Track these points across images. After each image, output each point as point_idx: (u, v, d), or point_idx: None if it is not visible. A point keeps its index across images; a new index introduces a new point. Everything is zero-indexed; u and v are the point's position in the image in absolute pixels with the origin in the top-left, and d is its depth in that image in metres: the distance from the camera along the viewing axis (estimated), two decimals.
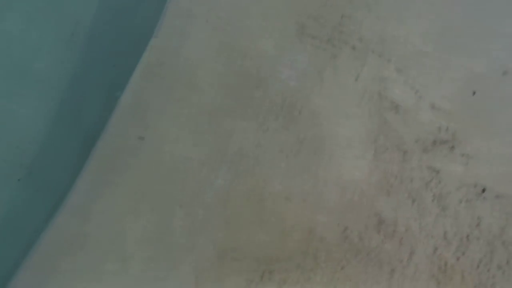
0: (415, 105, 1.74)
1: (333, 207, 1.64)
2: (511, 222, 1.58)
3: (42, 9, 2.35)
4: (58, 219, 1.60)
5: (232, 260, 1.53)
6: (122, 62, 2.28)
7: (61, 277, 1.49)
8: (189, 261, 1.53)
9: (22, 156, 2.01)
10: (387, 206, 1.63)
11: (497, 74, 1.76)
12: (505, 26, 1.78)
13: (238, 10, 1.90)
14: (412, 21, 1.82)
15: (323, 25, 1.85)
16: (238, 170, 1.70)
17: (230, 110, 1.79)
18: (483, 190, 1.63)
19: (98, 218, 1.61)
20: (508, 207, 1.60)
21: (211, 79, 1.82)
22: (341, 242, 1.56)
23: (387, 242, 1.56)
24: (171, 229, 1.60)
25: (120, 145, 1.77)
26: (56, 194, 1.85)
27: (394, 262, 1.54)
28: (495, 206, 1.61)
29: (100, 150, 1.75)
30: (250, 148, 1.73)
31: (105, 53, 2.34)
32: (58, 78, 2.25)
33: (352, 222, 1.60)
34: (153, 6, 2.16)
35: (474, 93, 1.74)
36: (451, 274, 1.53)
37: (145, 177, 1.71)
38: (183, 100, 1.80)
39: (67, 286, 1.48)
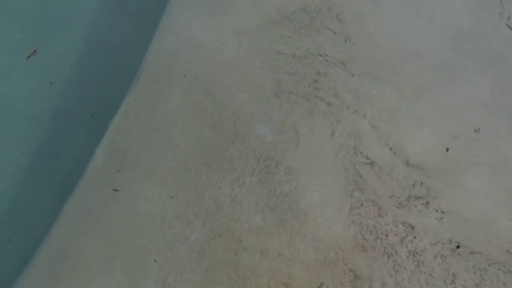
0: (389, 161, 2.06)
1: (309, 262, 1.89)
2: (486, 279, 1.84)
3: (20, 63, 2.69)
4: (27, 275, 1.83)
5: None
6: (99, 112, 2.60)
7: None
8: None
9: None
10: (363, 261, 1.89)
11: (469, 132, 2.10)
12: (474, 90, 2.15)
13: (216, 66, 2.25)
14: (387, 78, 2.18)
15: (299, 81, 2.20)
16: (214, 224, 1.97)
17: (206, 164, 2.08)
18: (458, 246, 1.90)
19: (68, 274, 1.84)
20: (482, 264, 1.87)
21: (187, 133, 2.13)
22: None
23: None
24: (144, 285, 1.83)
25: (93, 197, 2.03)
26: (29, 243, 2.08)
27: None
28: (470, 263, 1.87)
29: (73, 202, 2.00)
30: (226, 202, 2.01)
31: (83, 103, 2.66)
32: (35, 126, 2.55)
33: (328, 278, 1.85)
34: (133, 58, 2.51)
35: (447, 149, 2.07)
36: None
37: (119, 230, 1.96)
38: (159, 153, 2.09)
39: None
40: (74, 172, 2.20)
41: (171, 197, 1.91)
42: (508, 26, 2.10)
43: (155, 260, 1.79)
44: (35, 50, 2.60)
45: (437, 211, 1.89)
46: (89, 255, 1.79)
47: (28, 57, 2.61)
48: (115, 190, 1.95)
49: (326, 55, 2.13)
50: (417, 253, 1.81)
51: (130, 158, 2.01)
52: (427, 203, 1.90)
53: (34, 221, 2.21)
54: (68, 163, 2.37)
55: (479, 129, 2.01)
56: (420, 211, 1.88)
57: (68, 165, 2.37)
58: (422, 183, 1.94)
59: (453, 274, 1.76)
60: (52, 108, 2.56)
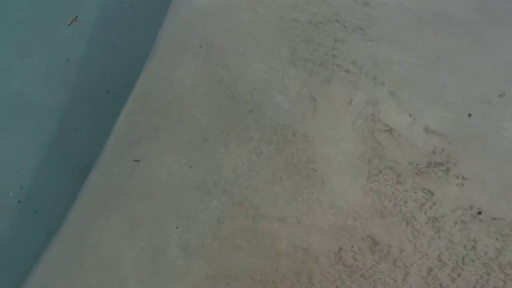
0: (409, 127, 2.02)
1: (327, 229, 1.90)
2: (508, 244, 1.82)
3: (36, 42, 2.73)
4: (55, 242, 1.89)
5: (227, 281, 1.79)
6: (116, 88, 2.63)
7: None
8: (184, 284, 1.79)
9: (21, 181, 2.33)
10: (381, 228, 1.89)
11: (493, 96, 2.04)
12: (499, 53, 2.08)
13: (231, 36, 2.23)
14: (406, 44, 2.12)
15: (316, 49, 2.16)
16: (233, 193, 1.98)
17: (224, 134, 2.09)
18: (479, 213, 1.87)
19: (95, 241, 1.90)
20: (504, 229, 1.85)
21: (204, 103, 2.13)
22: (336, 263, 1.81)
23: (381, 263, 1.80)
24: (167, 251, 1.87)
25: (116, 168, 2.07)
26: (53, 216, 2.15)
27: (388, 282, 1.78)
28: (491, 228, 1.85)
29: (96, 173, 2.05)
30: (244, 171, 2.02)
31: (98, 80, 2.68)
32: (53, 103, 2.60)
33: (346, 244, 1.86)
34: (146, 33, 2.51)
35: (470, 115, 2.02)
36: None
37: (140, 200, 2.00)
38: (177, 124, 2.11)
39: None
40: (93, 147, 2.24)
41: (190, 167, 1.94)
42: None
43: (176, 227, 1.83)
44: (76, 16, 2.63)
45: (457, 177, 1.86)
46: (113, 223, 1.84)
47: (70, 23, 2.65)
48: (136, 160, 1.99)
49: (344, 21, 2.09)
50: (436, 219, 1.79)
51: (149, 129, 2.03)
52: (448, 169, 1.87)
53: (59, 194, 2.28)
54: (87, 139, 2.41)
55: (504, 93, 1.96)
56: (440, 178, 1.85)
57: (87, 141, 2.41)
58: (442, 150, 1.91)
59: (474, 240, 1.74)
60: (69, 85, 2.59)
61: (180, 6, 2.22)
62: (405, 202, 1.84)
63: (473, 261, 1.71)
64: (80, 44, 2.69)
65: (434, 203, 1.82)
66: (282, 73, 2.08)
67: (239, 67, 2.10)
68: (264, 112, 2.03)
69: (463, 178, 1.86)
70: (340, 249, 1.77)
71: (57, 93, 2.58)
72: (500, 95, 1.95)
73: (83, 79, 2.62)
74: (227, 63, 2.11)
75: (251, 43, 2.12)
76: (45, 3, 2.80)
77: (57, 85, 2.61)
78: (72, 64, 2.65)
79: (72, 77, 2.64)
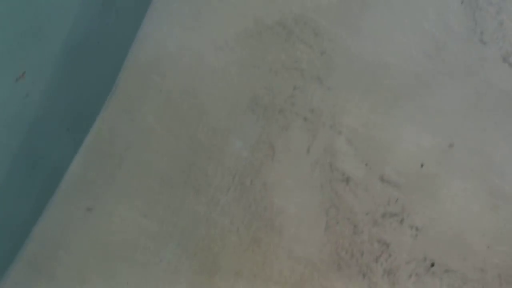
0: (365, 177, 2.04)
1: (284, 282, 1.87)
2: None
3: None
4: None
5: None
6: (76, 126, 2.55)
7: None
8: None
9: None
10: (338, 281, 1.87)
11: (444, 146, 2.08)
12: (449, 102, 2.13)
13: (193, 80, 2.21)
14: (363, 93, 2.15)
15: (276, 96, 2.16)
16: (188, 244, 1.93)
17: (182, 182, 2.04)
18: (432, 265, 1.89)
19: None
20: (457, 282, 1.87)
21: (163, 149, 2.09)
22: None
23: None
24: None
25: (67, 216, 1.99)
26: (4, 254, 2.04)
27: None
28: (444, 281, 1.87)
29: (43, 222, 1.96)
30: (201, 221, 1.98)
31: (59, 117, 2.60)
32: (10, 139, 2.49)
33: None
34: (110, 71, 2.45)
35: (422, 165, 2.05)
36: None
37: (92, 252, 1.92)
38: (134, 170, 2.05)
39: None
40: (49, 187, 2.15)
41: (145, 216, 1.88)
42: (481, 40, 2.08)
43: (127, 283, 1.76)
44: (24, 72, 2.53)
45: (411, 228, 1.88)
46: (60, 279, 1.75)
47: (17, 79, 2.54)
48: (89, 209, 1.91)
49: (302, 69, 2.10)
50: (392, 272, 1.79)
51: (104, 176, 1.96)
52: (402, 220, 1.89)
53: (8, 234, 2.17)
54: (44, 178, 2.32)
55: (454, 143, 2.00)
56: (395, 229, 1.87)
57: (44, 179, 2.32)
58: (397, 200, 1.93)
59: None
60: (27, 120, 2.49)
61: (142, 46, 2.18)
62: (362, 254, 1.84)
63: None
64: (41, 78, 2.60)
65: (390, 255, 1.83)
66: (242, 119, 2.06)
67: (199, 112, 2.08)
68: (223, 159, 2.00)
69: (417, 229, 1.88)
70: None
71: (13, 129, 2.48)
72: (450, 144, 1.99)
73: (42, 115, 2.53)
74: (187, 108, 2.08)
75: (211, 87, 2.10)
76: (5, 34, 2.69)
77: (14, 121, 2.50)
78: (31, 99, 2.56)
79: (31, 112, 2.54)
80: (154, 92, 2.11)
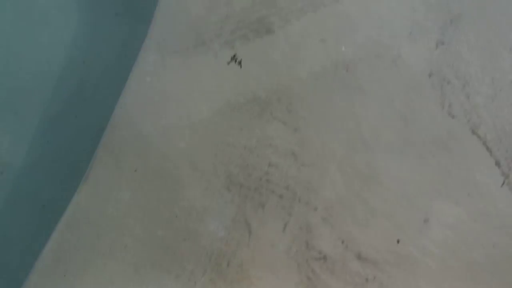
0: (342, 255, 2.04)
1: None
2: None
3: None
4: None
5: None
6: (52, 205, 2.55)
7: None
8: None
9: None
10: None
11: (419, 221, 2.11)
12: (422, 174, 2.18)
13: (167, 160, 2.24)
14: (337, 167, 2.19)
15: (251, 174, 2.19)
16: None
17: (157, 264, 2.03)
18: None
19: None
20: None
21: (137, 232, 2.09)
22: None
23: None
24: None
25: None
26: None
27: None
28: None
29: None
30: None
31: (35, 192, 2.60)
32: None
33: None
34: (87, 149, 2.48)
35: (398, 241, 2.07)
36: None
37: None
38: (108, 254, 2.04)
39: None
40: (23, 267, 2.13)
41: None
42: (449, 113, 2.15)
43: None
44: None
45: None
46: None
47: None
48: None
49: (277, 146, 2.14)
50: None
51: (77, 260, 1.96)
52: None
53: None
54: (18, 259, 2.30)
55: (428, 218, 2.03)
56: None
57: (19, 262, 2.30)
58: (375, 277, 1.93)
59: None
60: (1, 197, 2.49)
61: (117, 128, 2.22)
62: None
63: None
64: (16, 155, 2.62)
65: None
66: (218, 198, 2.08)
67: (174, 193, 2.09)
68: (199, 239, 2.01)
69: None
70: None
71: None
72: (425, 219, 2.02)
73: (18, 191, 2.54)
74: (162, 189, 2.10)
75: (187, 169, 2.13)
76: None
77: None
78: (7, 174, 2.57)
79: (7, 188, 2.55)
80: (129, 173, 2.13)
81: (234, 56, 2.15)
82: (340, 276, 1.96)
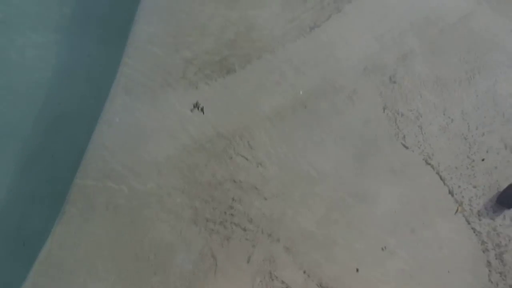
0: (304, 284, 2.18)
1: None
2: None
3: None
4: None
5: None
6: (32, 241, 2.67)
7: None
8: None
9: None
10: None
11: (377, 249, 2.25)
12: (378, 206, 2.33)
13: (137, 197, 2.38)
14: (298, 200, 2.34)
15: (216, 208, 2.34)
16: None
17: None
18: None
19: None
20: None
21: (110, 265, 2.22)
22: None
23: None
24: None
25: None
26: None
27: None
28: None
29: None
30: None
31: (15, 229, 2.73)
32: None
33: None
34: (60, 189, 2.62)
35: (357, 270, 2.21)
36: None
37: None
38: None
39: None
40: None
41: None
42: (403, 145, 2.30)
43: None
44: None
45: None
46: None
47: None
48: None
49: (240, 181, 2.29)
50: None
51: None
52: None
53: None
54: None
55: (385, 247, 2.17)
56: None
57: None
58: None
59: None
60: None
61: (89, 165, 2.36)
62: None
63: None
64: None
65: None
66: (185, 233, 2.22)
67: (144, 229, 2.23)
68: (168, 273, 2.14)
69: None
70: None
71: None
72: (382, 248, 2.16)
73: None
74: (132, 225, 2.24)
75: (155, 204, 2.28)
76: None
77: None
78: None
79: None
80: (101, 210, 2.28)
81: (197, 103, 2.31)
82: None
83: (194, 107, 2.27)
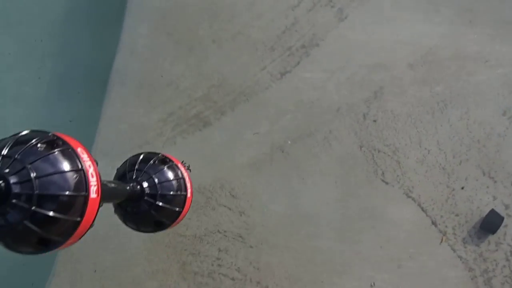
0: None
1: None
2: None
3: None
4: None
5: None
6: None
7: None
8: None
9: None
10: None
11: (366, 286, 2.34)
12: (364, 246, 2.42)
13: (124, 257, 2.49)
14: (283, 245, 2.43)
15: (203, 261, 2.44)
16: None
17: None
18: None
19: None
20: None
21: None
22: None
23: None
24: None
25: None
26: None
27: None
28: None
29: None
30: None
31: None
32: None
33: None
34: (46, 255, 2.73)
35: None
36: None
37: None
38: None
39: None
40: None
41: None
42: (383, 181, 2.42)
43: None
44: None
45: None
46: None
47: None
48: None
49: (225, 231, 2.40)
50: None
51: None
52: None
53: None
54: None
55: (374, 283, 2.25)
56: None
57: None
58: None
59: None
60: None
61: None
62: None
63: None
64: None
65: None
66: None
67: (132, 286, 2.33)
68: None
69: None
70: None
71: None
72: (371, 285, 2.24)
73: None
74: (121, 286, 2.34)
75: (143, 261, 2.39)
76: None
77: None
78: None
79: None
80: (89, 274, 2.39)
81: (183, 161, 2.45)
82: None
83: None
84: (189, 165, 2.43)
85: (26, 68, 3.12)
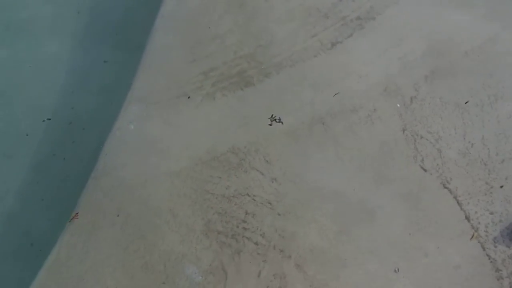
0: None
1: None
2: None
3: None
4: None
5: None
6: (40, 242, 3.02)
7: None
8: None
9: None
10: None
11: (389, 272, 2.57)
12: (391, 228, 2.63)
13: (148, 207, 2.72)
14: (310, 218, 2.65)
15: (228, 221, 2.67)
16: None
17: None
18: None
19: None
20: None
21: (118, 274, 2.55)
22: None
23: None
24: None
25: None
26: None
27: None
28: None
29: None
30: None
31: (25, 230, 3.08)
32: None
33: None
34: (74, 189, 2.96)
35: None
36: None
37: None
38: None
39: None
40: None
41: None
42: (421, 167, 2.63)
43: None
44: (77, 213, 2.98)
45: None
46: None
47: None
48: None
49: (254, 195, 2.62)
50: None
51: None
52: None
53: None
54: None
55: (398, 269, 2.48)
56: None
57: None
58: None
59: None
60: None
61: (101, 174, 2.72)
62: None
63: None
64: (7, 195, 3.10)
65: None
66: (196, 244, 2.55)
67: (155, 238, 2.57)
68: (177, 284, 2.47)
69: None
70: None
71: None
72: (395, 270, 2.47)
73: (6, 231, 3.00)
74: (142, 234, 2.58)
75: (166, 214, 2.61)
76: None
77: None
78: None
79: None
80: (111, 218, 2.62)
81: (272, 115, 2.63)
82: None
83: (271, 120, 2.59)
84: (279, 118, 2.61)
85: (66, 2, 3.29)
